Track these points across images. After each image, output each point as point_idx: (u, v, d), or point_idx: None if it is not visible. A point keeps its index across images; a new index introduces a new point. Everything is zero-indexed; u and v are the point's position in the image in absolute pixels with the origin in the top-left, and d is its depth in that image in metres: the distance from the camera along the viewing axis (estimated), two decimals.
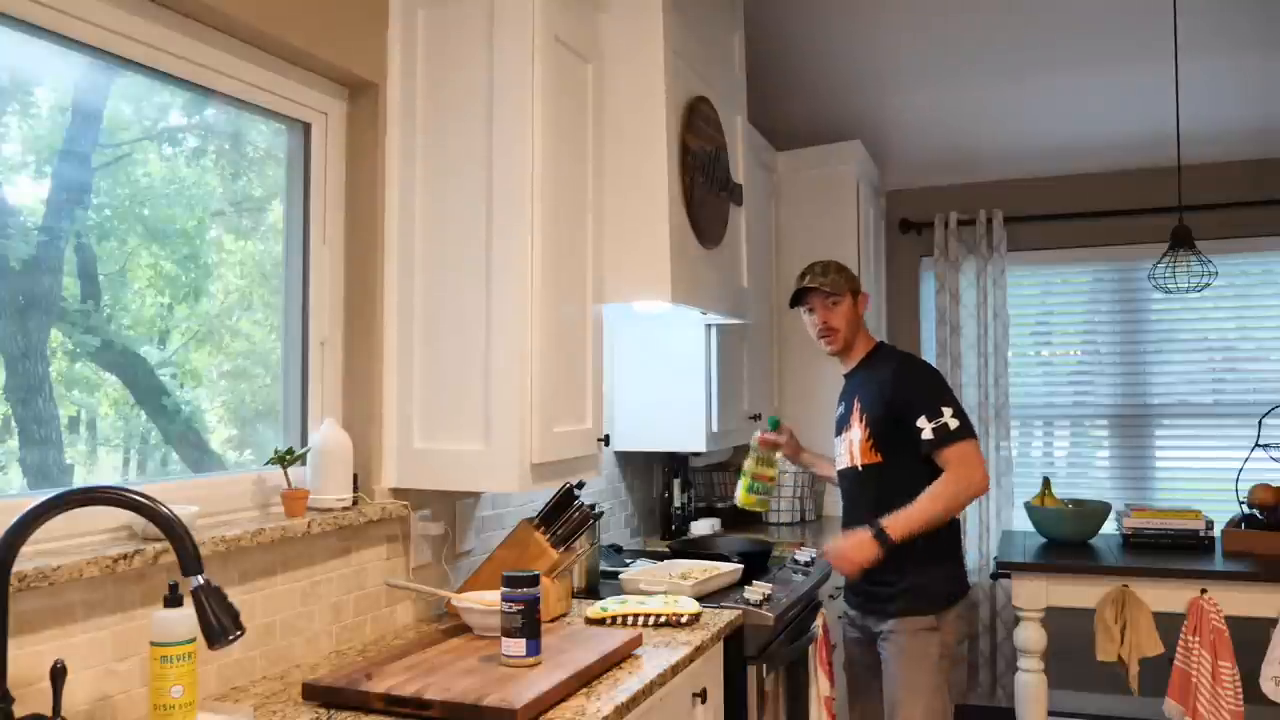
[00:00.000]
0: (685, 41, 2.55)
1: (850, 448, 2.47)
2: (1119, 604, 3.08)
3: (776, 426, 2.76)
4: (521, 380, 1.96)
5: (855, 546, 2.31)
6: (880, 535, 2.28)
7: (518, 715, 1.45)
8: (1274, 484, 3.34)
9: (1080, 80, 3.89)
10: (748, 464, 2.74)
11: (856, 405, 2.46)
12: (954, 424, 2.33)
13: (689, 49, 2.57)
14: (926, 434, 2.33)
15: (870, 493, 2.42)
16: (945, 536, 2.40)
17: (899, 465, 2.38)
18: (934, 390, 2.39)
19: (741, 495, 2.73)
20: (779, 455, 2.77)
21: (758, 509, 2.76)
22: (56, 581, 1.32)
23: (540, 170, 2.01)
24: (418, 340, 2.07)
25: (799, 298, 2.53)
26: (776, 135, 4.12)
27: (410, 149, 2.10)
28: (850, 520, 2.48)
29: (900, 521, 2.29)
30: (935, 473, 2.32)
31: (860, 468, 2.44)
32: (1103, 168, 4.34)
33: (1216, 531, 3.36)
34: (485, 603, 1.90)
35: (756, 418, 3.53)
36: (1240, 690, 2.90)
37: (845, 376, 2.59)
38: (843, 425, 2.52)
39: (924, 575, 2.37)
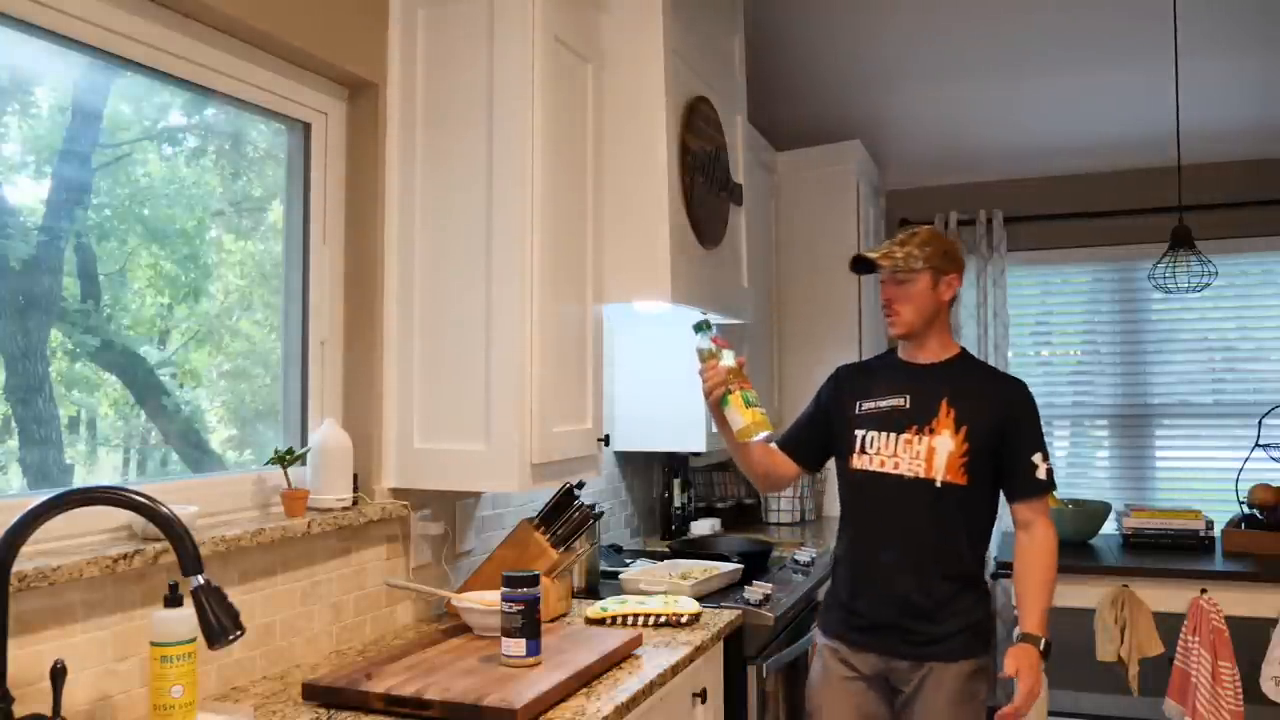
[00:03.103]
0: (685, 42, 2.55)
1: (925, 455, 2.01)
2: (1119, 604, 3.08)
3: (711, 326, 2.06)
4: (521, 380, 1.96)
5: (1034, 673, 1.96)
6: (1046, 649, 1.99)
7: (518, 715, 1.44)
8: (1274, 484, 3.34)
9: (1080, 80, 3.89)
10: (718, 378, 1.99)
11: (947, 410, 2.03)
12: (1048, 469, 2.08)
13: (689, 49, 2.57)
14: (1040, 474, 2.04)
15: (938, 517, 2.01)
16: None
17: (979, 495, 2.05)
18: (1040, 426, 2.10)
19: (747, 416, 1.98)
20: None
21: (767, 428, 2.01)
22: (56, 581, 1.32)
23: (540, 170, 2.01)
24: (418, 340, 2.07)
25: (861, 267, 2.12)
26: (776, 135, 4.12)
27: (410, 149, 2.10)
28: (897, 544, 2.04)
29: (1042, 616, 2.00)
30: (992, 511, 2.10)
31: (940, 483, 2.00)
32: (1103, 168, 4.34)
33: (1216, 531, 3.36)
34: (485, 603, 1.90)
35: None
36: (1240, 690, 2.90)
37: (900, 365, 2.15)
38: (905, 423, 2.05)
39: (981, 610, 2.08)
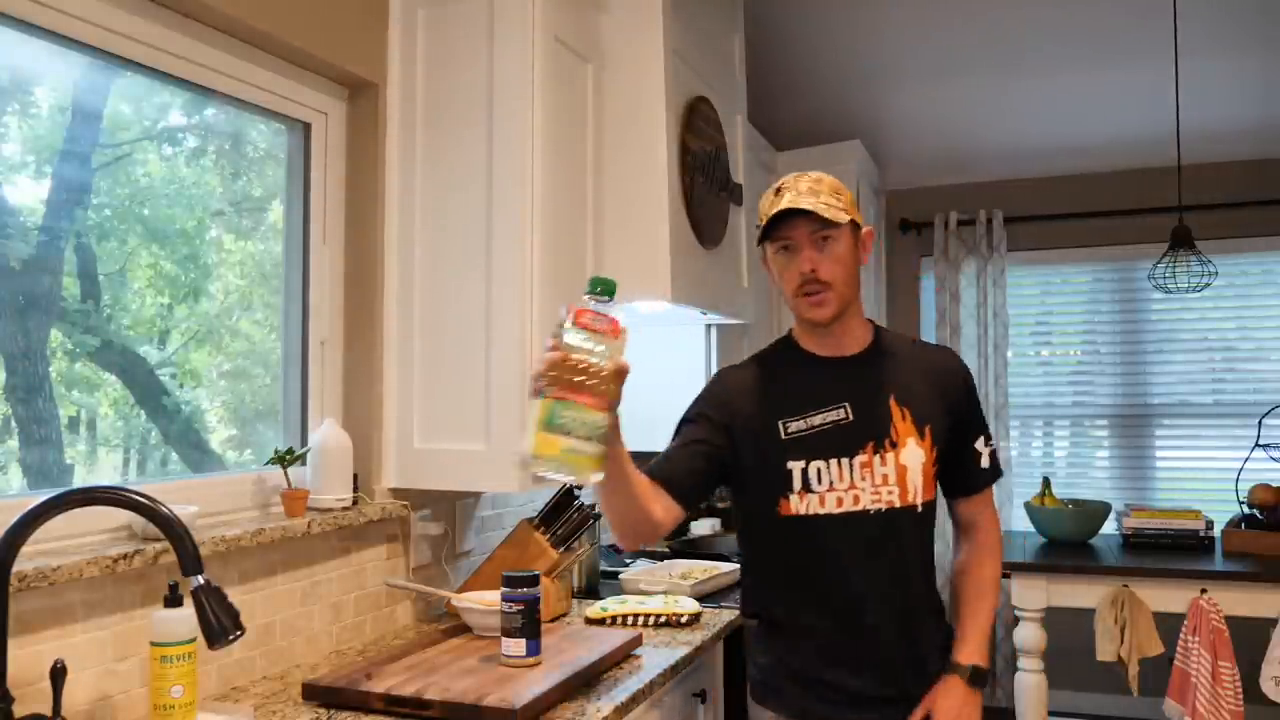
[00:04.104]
0: (685, 42, 2.55)
1: (896, 477, 1.57)
2: (1119, 604, 3.08)
3: (612, 291, 1.33)
4: (521, 380, 1.96)
5: (966, 708, 1.61)
6: (977, 677, 1.63)
7: (518, 715, 1.44)
8: (1274, 484, 3.34)
9: (1080, 80, 3.89)
10: (542, 367, 1.28)
11: (900, 412, 1.60)
12: (991, 453, 1.71)
13: (689, 49, 2.57)
14: (984, 461, 1.69)
15: (921, 547, 1.64)
16: None
17: (934, 505, 1.67)
18: (979, 402, 1.74)
19: (534, 438, 1.26)
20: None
21: (570, 468, 1.27)
22: (56, 581, 1.32)
23: (540, 170, 2.01)
24: (418, 340, 2.07)
25: (775, 224, 1.56)
26: (776, 135, 4.12)
27: (410, 149, 2.10)
28: (879, 598, 1.59)
29: (980, 643, 1.65)
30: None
31: (919, 507, 1.60)
32: (1103, 168, 4.33)
33: (1216, 531, 3.36)
34: (485, 603, 1.90)
35: None
36: (1240, 690, 2.90)
37: (817, 362, 1.65)
38: (856, 441, 1.58)
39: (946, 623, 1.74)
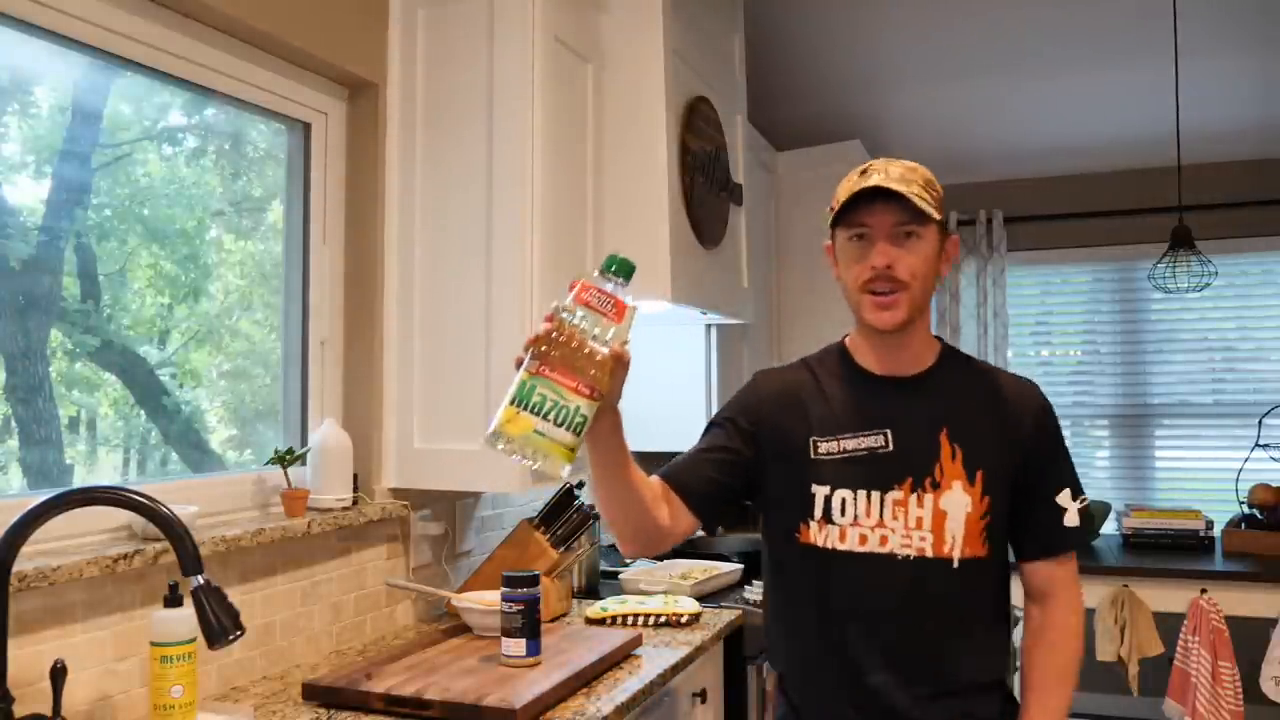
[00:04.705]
0: (685, 42, 2.55)
1: (933, 523, 1.35)
2: (1119, 604, 3.08)
3: (628, 273, 1.28)
4: None
5: None
6: None
7: (518, 715, 1.44)
8: (1274, 484, 3.34)
9: (1080, 80, 3.89)
10: (531, 340, 1.17)
11: (951, 450, 1.37)
12: (1080, 511, 1.44)
13: (689, 49, 2.57)
14: (1070, 519, 1.41)
15: (957, 610, 1.38)
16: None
17: (999, 565, 1.42)
18: (1066, 449, 1.48)
19: (502, 416, 1.14)
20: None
21: (541, 454, 1.14)
22: (56, 581, 1.32)
23: (540, 170, 2.01)
24: (418, 340, 2.07)
25: (853, 206, 1.36)
26: (776, 135, 4.12)
27: (410, 149, 2.10)
28: (893, 659, 1.37)
29: None
30: (1004, 578, 1.43)
31: (958, 561, 1.35)
32: (1103, 168, 4.33)
33: (1216, 531, 3.36)
34: (485, 603, 1.90)
35: None
36: (1240, 690, 2.90)
37: (867, 379, 1.45)
38: (893, 475, 1.37)
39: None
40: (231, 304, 1.99)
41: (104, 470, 1.71)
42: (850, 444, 1.40)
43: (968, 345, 4.43)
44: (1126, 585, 3.09)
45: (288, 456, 1.82)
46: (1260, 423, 3.82)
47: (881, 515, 1.36)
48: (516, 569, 1.90)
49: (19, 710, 1.26)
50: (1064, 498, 1.42)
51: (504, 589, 1.71)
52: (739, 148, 2.97)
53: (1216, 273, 3.54)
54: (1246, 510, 3.37)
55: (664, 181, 2.35)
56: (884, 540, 1.36)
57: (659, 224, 2.35)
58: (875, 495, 1.37)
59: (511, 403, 1.13)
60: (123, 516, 1.53)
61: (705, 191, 2.61)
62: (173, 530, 1.24)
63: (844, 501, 1.38)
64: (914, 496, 1.36)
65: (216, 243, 1.95)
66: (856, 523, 1.37)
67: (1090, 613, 3.14)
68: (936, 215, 1.35)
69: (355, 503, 1.98)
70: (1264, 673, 2.93)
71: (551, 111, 2.06)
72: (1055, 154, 4.32)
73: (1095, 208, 4.34)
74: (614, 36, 2.39)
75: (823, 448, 1.41)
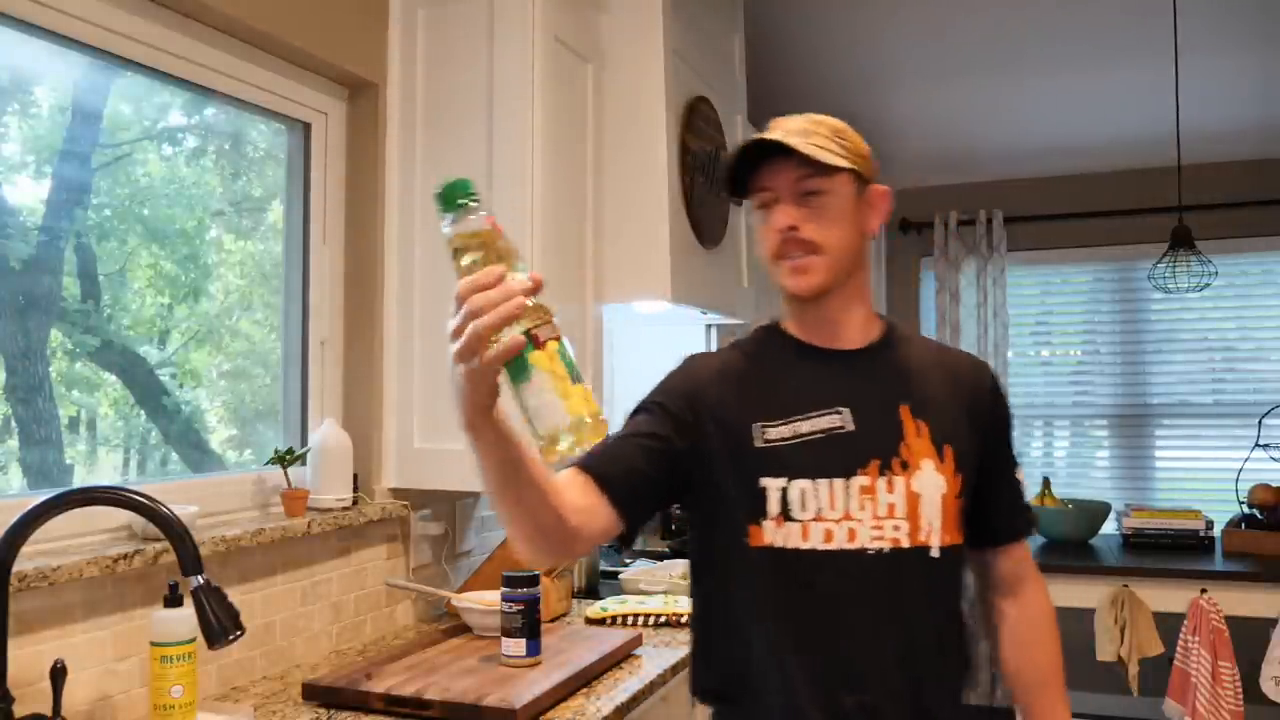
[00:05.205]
0: (685, 41, 2.54)
1: (906, 508, 1.19)
2: (1119, 604, 3.08)
3: (466, 195, 0.88)
4: None
5: None
6: None
7: (517, 715, 1.44)
8: (1274, 484, 3.34)
9: (1080, 80, 3.89)
10: (510, 308, 0.88)
11: (915, 425, 1.22)
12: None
13: (689, 49, 2.57)
14: (1025, 498, 1.38)
15: (937, 609, 1.22)
16: None
17: (966, 555, 1.28)
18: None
19: (575, 396, 0.88)
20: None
21: (601, 433, 0.89)
22: (56, 581, 1.32)
23: (540, 170, 2.01)
24: (418, 340, 2.07)
25: (749, 169, 1.22)
26: None
27: (410, 149, 2.10)
28: (874, 675, 1.18)
29: None
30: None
31: (936, 551, 1.20)
32: (1103, 168, 4.33)
33: (1216, 531, 3.36)
34: (485, 603, 1.90)
35: None
36: (1240, 690, 2.90)
37: (812, 352, 1.28)
38: (857, 456, 1.20)
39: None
40: (231, 304, 1.99)
41: (104, 470, 1.71)
42: (805, 426, 1.20)
43: (968, 345, 4.43)
44: (1126, 585, 3.09)
45: (288, 456, 1.82)
46: (1260, 423, 3.82)
47: (847, 505, 1.18)
48: (516, 569, 1.90)
49: (19, 710, 1.26)
50: (1019, 476, 1.35)
51: (504, 589, 1.71)
52: None
53: (1216, 273, 3.54)
54: (1246, 510, 3.37)
55: (664, 181, 2.35)
56: (852, 534, 1.17)
57: (659, 224, 2.35)
58: (839, 483, 1.18)
59: (572, 378, 0.87)
60: (123, 516, 1.53)
61: (705, 191, 2.61)
62: (173, 530, 1.24)
63: (803, 494, 1.17)
64: (882, 480, 1.18)
65: (216, 243, 1.95)
66: (820, 517, 1.17)
67: (1090, 613, 3.14)
68: (844, 164, 1.18)
69: (355, 503, 1.98)
70: (1264, 673, 2.93)
71: (551, 111, 2.06)
72: (1055, 154, 4.32)
73: (1095, 208, 4.33)
74: (614, 36, 2.39)
75: (772, 434, 1.20)
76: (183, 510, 1.50)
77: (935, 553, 1.19)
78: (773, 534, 1.18)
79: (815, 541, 1.17)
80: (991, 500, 1.30)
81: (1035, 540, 3.51)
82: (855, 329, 1.28)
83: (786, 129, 1.19)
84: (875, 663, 1.17)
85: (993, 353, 4.36)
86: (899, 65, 3.96)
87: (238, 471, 1.89)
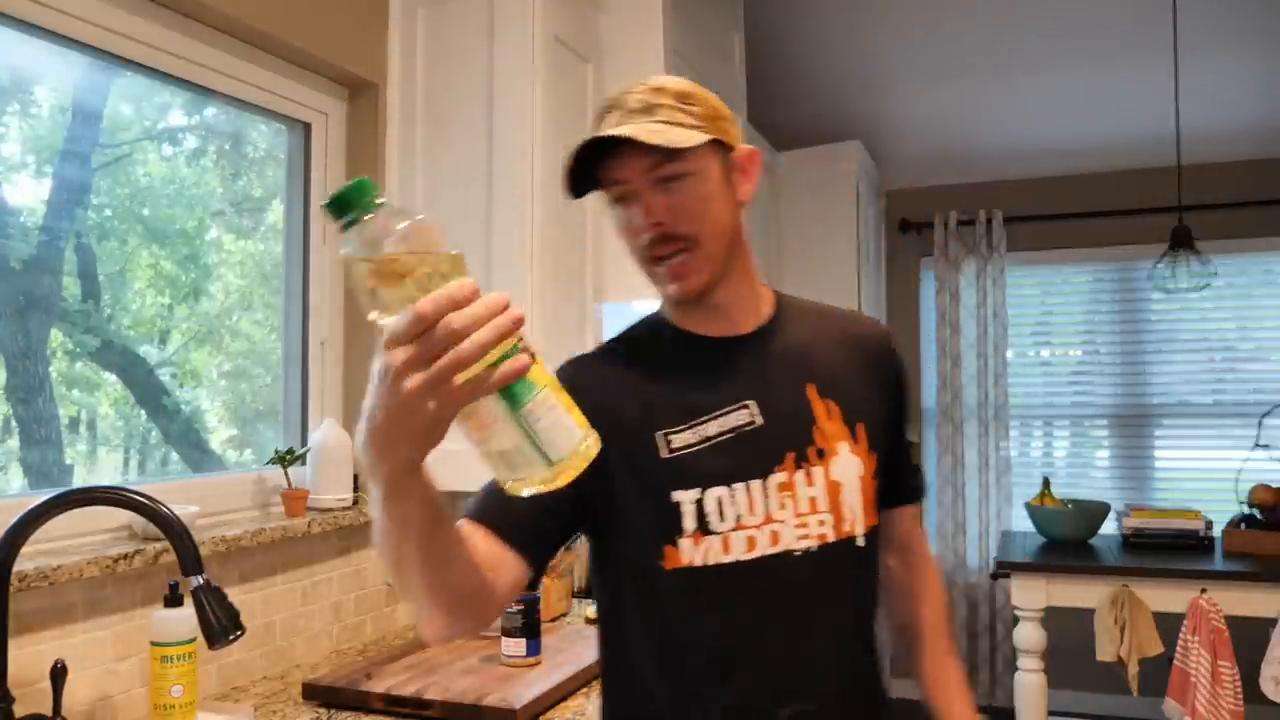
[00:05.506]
0: (685, 42, 2.54)
1: (828, 499, 1.10)
2: (1119, 604, 3.08)
3: (364, 193, 0.69)
4: None
5: None
6: None
7: (517, 715, 1.45)
8: (1274, 484, 3.34)
9: (1080, 80, 3.89)
10: (502, 326, 0.70)
11: (825, 406, 1.13)
12: None
13: (689, 49, 2.57)
14: (912, 467, 1.30)
15: (864, 602, 1.16)
16: None
17: (878, 537, 1.19)
18: None
19: (582, 429, 0.77)
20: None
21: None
22: (56, 581, 1.32)
23: (540, 170, 2.01)
24: None
25: (593, 161, 1.07)
26: (777, 135, 4.12)
27: (410, 148, 2.10)
28: (808, 683, 1.09)
29: (967, 693, 1.28)
30: None
31: (861, 539, 1.13)
32: (1103, 168, 4.33)
33: (1216, 531, 3.36)
34: None
35: None
36: (1240, 690, 2.90)
37: (706, 345, 1.16)
38: (770, 452, 1.09)
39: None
40: (231, 304, 1.99)
41: (104, 470, 1.71)
42: (712, 428, 1.09)
43: (968, 345, 4.43)
44: (1126, 585, 3.08)
45: (288, 456, 1.82)
46: (1260, 423, 3.82)
47: (767, 507, 1.07)
48: None
49: (19, 710, 1.27)
50: (910, 438, 1.28)
51: None
52: None
53: (1216, 273, 3.54)
54: (1246, 510, 3.37)
55: None
56: (775, 538, 1.07)
57: None
58: (756, 484, 1.07)
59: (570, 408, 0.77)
60: (123, 516, 1.53)
61: None
62: (173, 530, 1.24)
63: (720, 502, 1.06)
64: (800, 474, 1.09)
65: (216, 243, 1.95)
66: (740, 525, 1.06)
67: (1090, 613, 3.14)
68: (697, 139, 1.03)
69: (355, 502, 1.98)
70: (1264, 673, 2.93)
71: (551, 111, 2.06)
72: (1055, 154, 4.32)
73: (1095, 208, 4.34)
74: (614, 36, 2.39)
75: (678, 441, 1.08)
76: (183, 510, 1.50)
77: (861, 541, 1.12)
78: (691, 552, 1.06)
79: (738, 553, 1.06)
80: (893, 464, 1.21)
81: (1034, 540, 3.51)
82: (747, 311, 1.17)
83: (627, 108, 1.06)
84: (808, 668, 1.09)
85: (992, 353, 4.36)
86: (899, 65, 3.96)
87: (238, 471, 1.89)
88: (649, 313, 1.23)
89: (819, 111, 4.26)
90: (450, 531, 0.90)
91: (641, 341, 1.20)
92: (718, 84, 2.81)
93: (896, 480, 1.24)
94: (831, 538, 1.09)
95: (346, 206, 0.68)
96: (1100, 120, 4.09)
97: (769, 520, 1.07)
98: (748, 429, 1.09)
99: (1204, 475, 4.18)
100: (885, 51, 3.91)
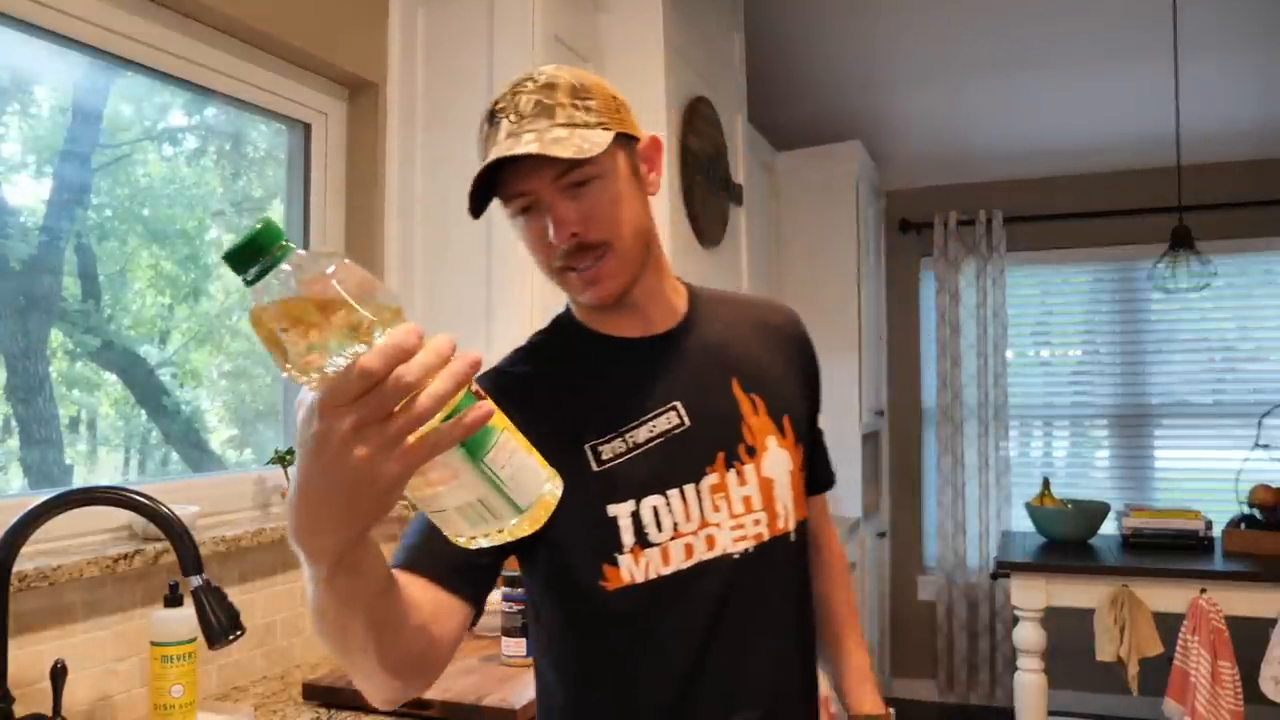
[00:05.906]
0: (685, 41, 2.55)
1: (762, 497, 1.07)
2: (1119, 604, 3.08)
3: (271, 240, 0.60)
4: None
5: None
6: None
7: (517, 715, 1.45)
8: (1274, 484, 3.34)
9: (1080, 80, 3.89)
10: (455, 378, 0.63)
11: (750, 401, 1.10)
12: None
13: (689, 49, 2.57)
14: (825, 456, 1.29)
15: (801, 594, 1.15)
16: None
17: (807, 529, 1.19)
18: None
19: (546, 472, 0.72)
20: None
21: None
22: (56, 581, 1.32)
23: None
24: None
25: (495, 175, 1.01)
26: (776, 135, 4.12)
27: (410, 149, 2.10)
28: (754, 688, 1.06)
29: (875, 688, 1.27)
30: None
31: (793, 534, 1.11)
32: (1103, 168, 4.34)
33: (1216, 531, 3.36)
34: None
35: None
36: (1240, 690, 2.90)
37: (622, 346, 1.10)
38: (701, 455, 1.06)
39: None
40: (232, 304, 1.99)
41: (104, 470, 1.71)
42: (641, 434, 1.04)
43: (967, 345, 4.43)
44: (1126, 585, 3.09)
45: (288, 456, 1.82)
46: (1260, 423, 3.82)
47: (702, 511, 1.04)
48: (516, 569, 1.90)
49: (19, 710, 1.27)
50: (821, 424, 1.25)
51: (504, 589, 1.71)
52: (739, 148, 2.97)
53: (1216, 273, 3.54)
54: (1246, 510, 3.37)
55: (664, 181, 2.35)
56: (711, 542, 1.03)
57: (659, 224, 2.35)
58: (689, 489, 1.03)
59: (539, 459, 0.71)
60: (123, 516, 1.53)
61: (705, 191, 2.61)
62: (173, 530, 1.24)
63: (656, 512, 1.02)
64: (732, 474, 1.06)
65: (217, 243, 1.95)
66: (678, 533, 1.02)
67: (1090, 613, 3.14)
68: (601, 140, 0.97)
69: None
70: (1264, 673, 2.93)
71: None
72: (1055, 154, 4.32)
73: (1095, 208, 4.34)
74: (614, 36, 2.39)
75: (606, 452, 1.03)
76: (183, 510, 1.50)
77: (793, 536, 1.10)
78: (631, 570, 1.01)
79: (677, 562, 1.02)
80: (810, 455, 1.20)
81: (1034, 540, 3.52)
82: (663, 308, 1.11)
83: (520, 112, 0.98)
84: (753, 672, 1.06)
85: (992, 353, 4.36)
86: (899, 65, 3.97)
87: (238, 471, 1.89)
88: (556, 314, 1.16)
89: (819, 111, 4.26)
90: (397, 595, 0.83)
91: (554, 348, 1.12)
92: (718, 84, 2.82)
93: (815, 469, 1.23)
94: (767, 536, 1.07)
95: (258, 251, 0.59)
96: (1100, 120, 4.09)
97: (704, 525, 1.04)
98: (676, 431, 1.05)
99: (1204, 475, 4.18)
100: (885, 51, 3.91)
